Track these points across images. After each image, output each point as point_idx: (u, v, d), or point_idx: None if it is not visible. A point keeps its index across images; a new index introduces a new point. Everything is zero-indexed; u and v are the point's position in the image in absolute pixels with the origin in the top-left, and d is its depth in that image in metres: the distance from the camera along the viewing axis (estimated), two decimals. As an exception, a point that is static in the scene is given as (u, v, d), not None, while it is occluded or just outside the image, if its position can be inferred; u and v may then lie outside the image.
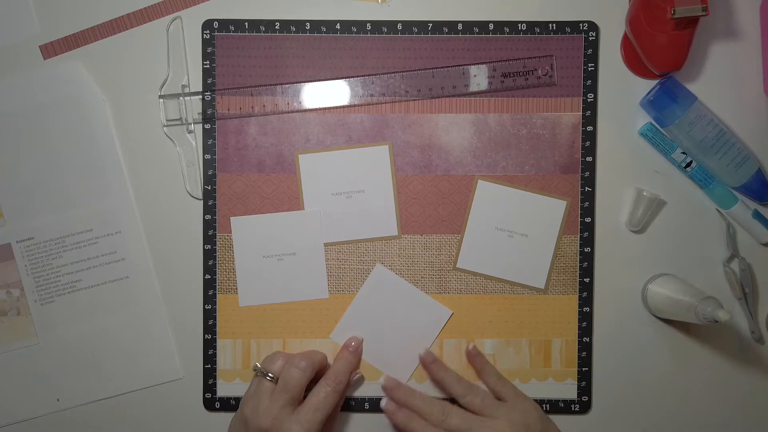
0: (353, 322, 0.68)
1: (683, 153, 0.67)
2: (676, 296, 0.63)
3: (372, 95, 0.67)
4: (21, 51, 0.67)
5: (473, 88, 0.67)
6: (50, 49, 0.67)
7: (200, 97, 0.67)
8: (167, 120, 0.67)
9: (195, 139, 0.68)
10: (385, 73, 0.67)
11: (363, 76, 0.67)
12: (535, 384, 0.68)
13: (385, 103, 0.67)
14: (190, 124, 0.67)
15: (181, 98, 0.67)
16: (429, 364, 0.67)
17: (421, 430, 0.63)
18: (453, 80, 0.67)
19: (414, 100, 0.67)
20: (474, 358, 0.67)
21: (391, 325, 0.68)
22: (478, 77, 0.67)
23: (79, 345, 0.68)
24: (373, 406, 0.68)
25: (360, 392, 0.68)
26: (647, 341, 0.69)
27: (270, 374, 0.63)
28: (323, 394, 0.62)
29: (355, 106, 0.67)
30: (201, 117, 0.67)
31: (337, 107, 0.67)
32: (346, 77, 0.67)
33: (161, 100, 0.67)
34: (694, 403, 0.69)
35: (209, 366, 0.68)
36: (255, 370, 0.64)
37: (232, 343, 0.68)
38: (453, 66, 0.67)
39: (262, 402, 0.61)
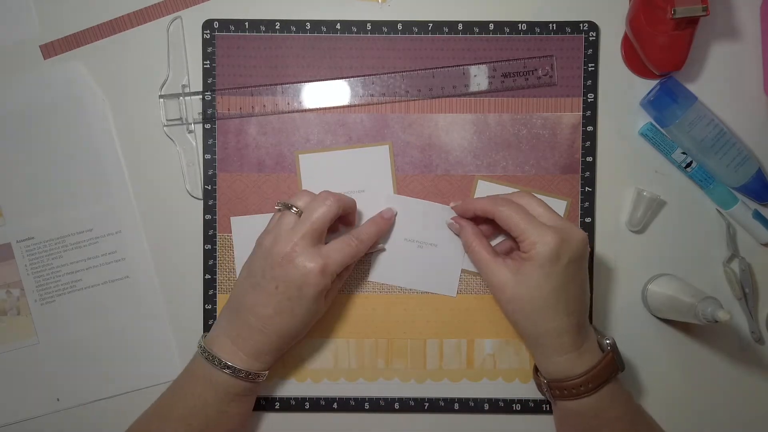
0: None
1: (683, 153, 0.67)
2: (676, 296, 0.63)
3: (372, 95, 0.67)
4: (21, 51, 0.67)
5: (473, 88, 0.67)
6: (50, 49, 0.67)
7: (200, 96, 0.67)
8: (167, 120, 0.67)
9: (195, 139, 0.68)
10: (385, 73, 0.67)
11: (363, 76, 0.67)
12: (535, 384, 0.68)
13: (385, 103, 0.67)
14: (191, 123, 0.67)
15: (181, 98, 0.67)
16: (462, 212, 0.65)
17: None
18: (453, 80, 0.67)
19: (414, 100, 0.67)
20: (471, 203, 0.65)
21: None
22: (478, 77, 0.67)
23: (79, 345, 0.68)
24: (373, 406, 0.68)
25: (360, 392, 0.68)
26: (647, 341, 0.69)
27: (294, 207, 0.62)
28: (345, 243, 0.62)
29: (355, 106, 0.67)
30: (201, 117, 0.67)
31: (337, 107, 0.67)
32: (346, 77, 0.67)
33: (161, 99, 0.67)
34: (694, 403, 0.69)
35: (209, 366, 0.68)
36: (278, 205, 0.63)
37: (232, 343, 0.68)
38: (453, 66, 0.67)
39: (283, 230, 0.61)
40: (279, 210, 0.63)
